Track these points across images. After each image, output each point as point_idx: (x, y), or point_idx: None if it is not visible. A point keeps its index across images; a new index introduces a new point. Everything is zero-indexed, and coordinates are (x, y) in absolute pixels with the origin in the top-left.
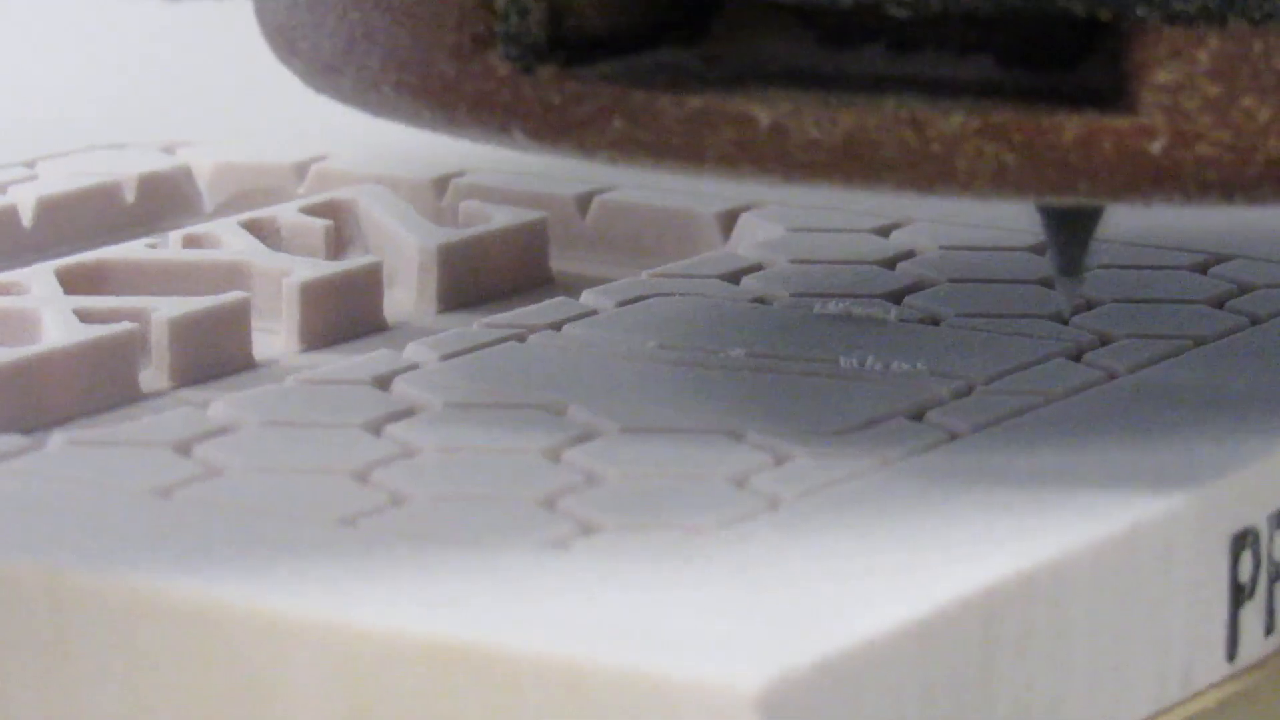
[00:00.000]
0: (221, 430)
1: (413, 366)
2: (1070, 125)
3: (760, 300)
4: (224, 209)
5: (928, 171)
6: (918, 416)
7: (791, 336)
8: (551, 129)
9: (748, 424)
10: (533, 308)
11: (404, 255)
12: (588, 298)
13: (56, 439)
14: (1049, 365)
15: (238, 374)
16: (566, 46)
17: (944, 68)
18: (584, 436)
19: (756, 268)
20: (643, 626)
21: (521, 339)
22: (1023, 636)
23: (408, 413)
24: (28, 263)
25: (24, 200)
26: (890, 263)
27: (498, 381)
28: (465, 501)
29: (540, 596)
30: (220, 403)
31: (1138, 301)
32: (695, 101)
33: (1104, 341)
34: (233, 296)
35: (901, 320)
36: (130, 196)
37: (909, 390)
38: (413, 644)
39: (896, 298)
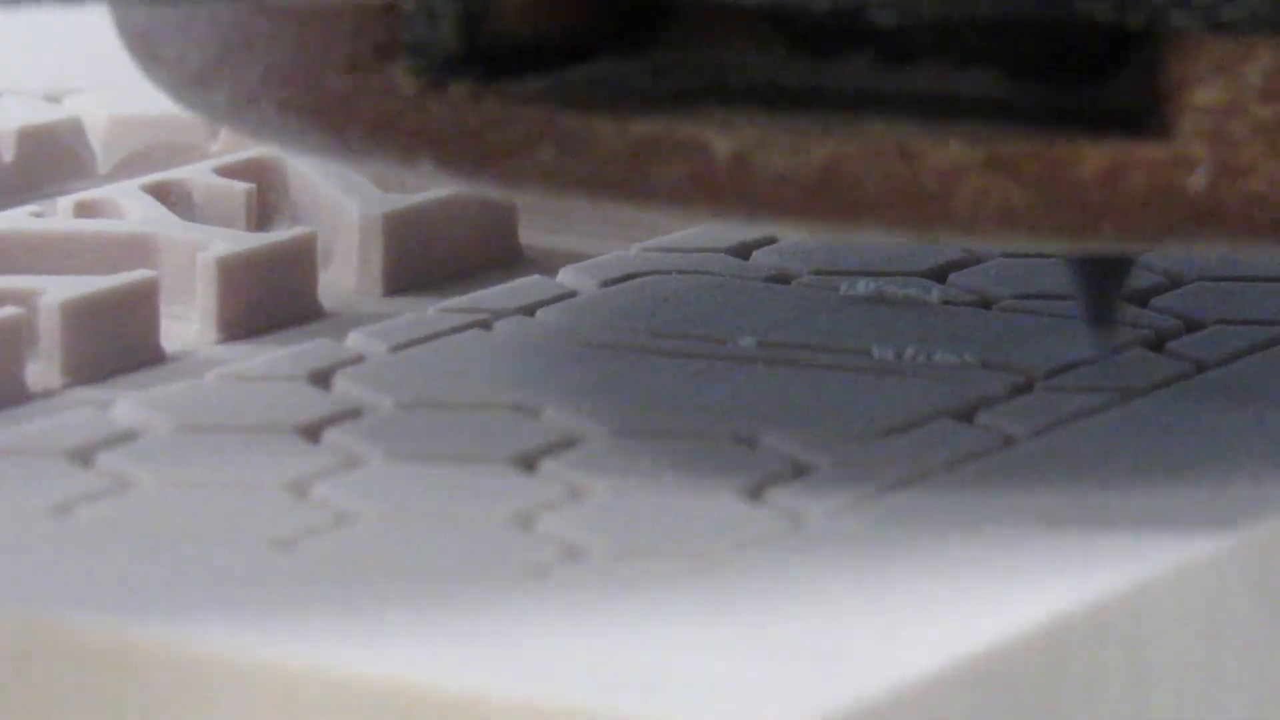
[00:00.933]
0: (128, 436)
1: (357, 359)
2: (1092, 156)
3: (775, 279)
4: (123, 170)
5: (921, 212)
6: (966, 418)
7: (813, 323)
8: (467, 158)
9: (761, 428)
10: (500, 288)
11: (342, 225)
12: (566, 276)
13: None
14: (1123, 356)
15: (144, 369)
16: (485, 58)
17: (943, 82)
18: (565, 443)
19: (770, 240)
20: (640, 669)
21: (487, 326)
22: (1093, 679)
23: (352, 414)
24: None
25: None
26: None
27: (459, 377)
28: (422, 521)
29: (515, 634)
30: (126, 403)
31: (1228, 279)
32: (640, 126)
33: (1190, 327)
34: (137, 276)
35: (945, 303)
36: (8, 155)
37: (955, 386)
38: (364, 690)
39: (939, 275)
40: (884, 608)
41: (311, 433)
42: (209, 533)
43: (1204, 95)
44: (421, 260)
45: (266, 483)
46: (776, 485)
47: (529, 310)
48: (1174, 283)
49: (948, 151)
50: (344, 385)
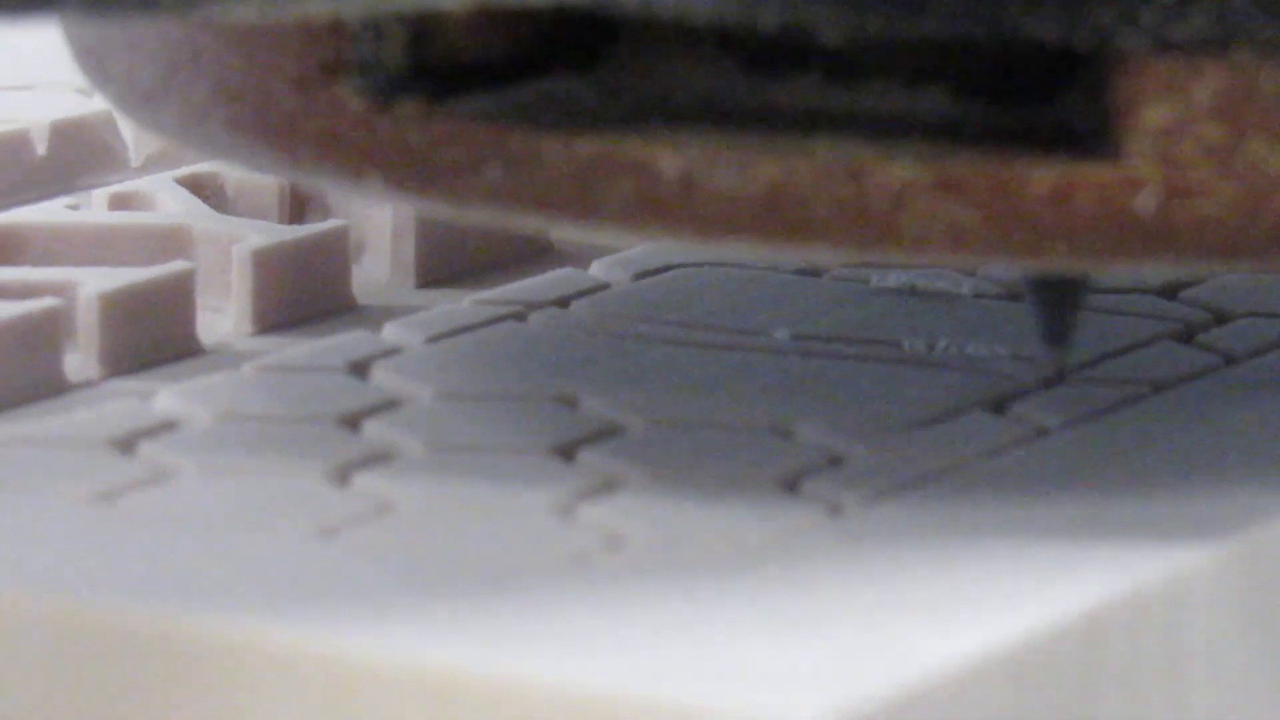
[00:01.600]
0: (169, 426)
1: (394, 351)
2: (1040, 176)
3: (807, 271)
4: (156, 162)
5: (869, 232)
6: (998, 409)
7: (845, 314)
8: (414, 177)
9: (797, 419)
10: (533, 281)
11: (375, 218)
12: (598, 269)
13: None
14: (1154, 348)
15: (180, 360)
16: (433, 77)
17: (892, 101)
18: (602, 433)
19: None
20: (681, 656)
21: (521, 318)
22: (1129, 669)
23: (391, 405)
24: None
25: None
26: None
27: (496, 368)
28: (463, 510)
29: (556, 622)
30: (166, 393)
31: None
32: (587, 145)
33: (1219, 320)
34: (173, 267)
35: (977, 295)
36: (41, 148)
37: (987, 378)
38: (406, 678)
39: (970, 268)
40: (920, 597)
41: (351, 423)
42: (251, 521)
43: (1152, 116)
44: (454, 253)
45: (307, 472)
46: (812, 476)
47: (563, 302)
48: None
49: (895, 171)
50: (382, 376)
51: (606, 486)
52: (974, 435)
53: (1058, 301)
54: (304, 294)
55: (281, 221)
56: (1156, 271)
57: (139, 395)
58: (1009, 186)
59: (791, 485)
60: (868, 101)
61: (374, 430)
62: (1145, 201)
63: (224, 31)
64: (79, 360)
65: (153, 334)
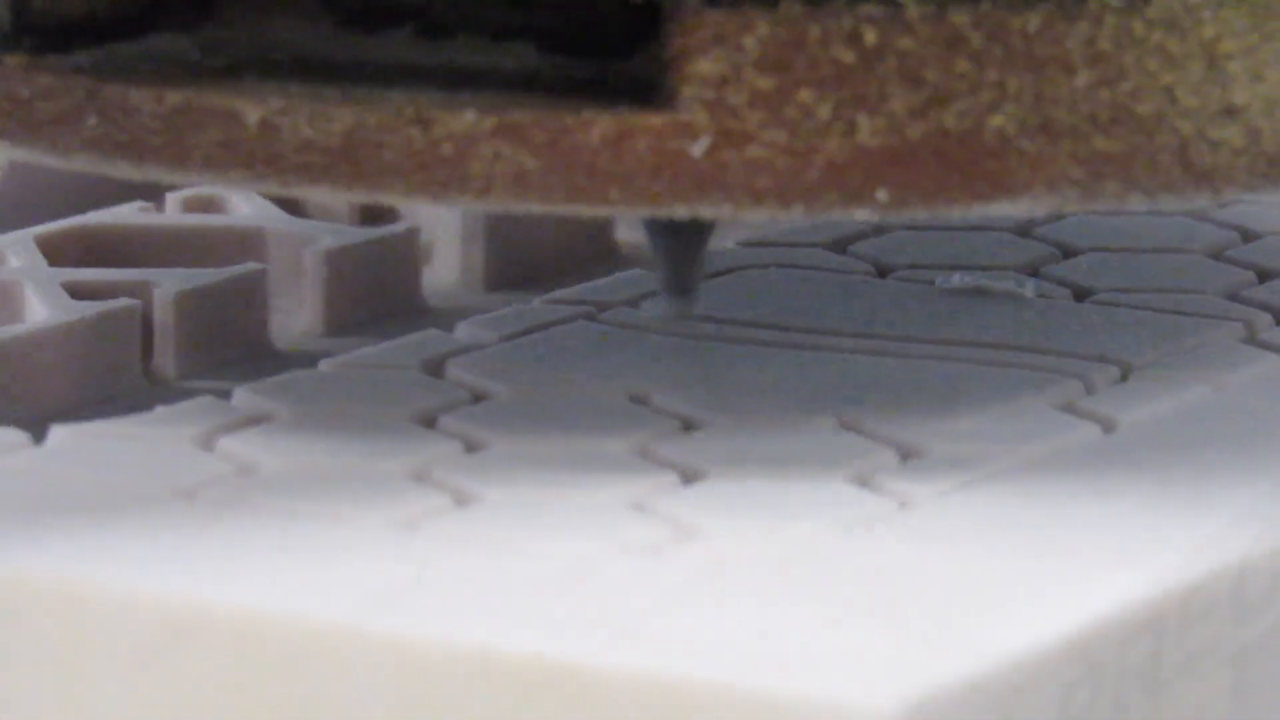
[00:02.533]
0: (249, 422)
1: (469, 349)
2: (598, 124)
3: (872, 272)
4: None
5: (438, 176)
6: (1066, 407)
7: (911, 315)
8: (20, 126)
9: (865, 414)
10: (602, 281)
11: (444, 222)
12: None
13: (57, 433)
14: (1218, 347)
15: (255, 359)
16: (37, 32)
17: (478, 55)
18: (674, 429)
19: (866, 234)
20: (759, 643)
21: (592, 317)
22: (1194, 655)
23: (466, 401)
24: None
25: None
26: (1025, 228)
27: (570, 366)
28: (541, 503)
29: (636, 610)
30: (244, 390)
31: None
32: (175, 96)
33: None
34: (247, 268)
35: (1040, 295)
36: None
37: (1053, 375)
38: (496, 663)
39: (1033, 269)
40: (992, 585)
41: (427, 419)
42: (331, 514)
43: (704, 66)
44: (522, 256)
45: (386, 466)
46: (884, 470)
47: (633, 302)
48: (1263, 275)
49: (461, 119)
50: (456, 373)
51: (680, 480)
52: (1042, 430)
53: (681, 253)
54: (375, 295)
55: (352, 224)
56: (713, 213)
57: (215, 393)
58: (567, 133)
59: (864, 480)
60: (453, 55)
61: (450, 426)
62: (698, 147)
63: None
64: (155, 360)
65: (227, 333)
